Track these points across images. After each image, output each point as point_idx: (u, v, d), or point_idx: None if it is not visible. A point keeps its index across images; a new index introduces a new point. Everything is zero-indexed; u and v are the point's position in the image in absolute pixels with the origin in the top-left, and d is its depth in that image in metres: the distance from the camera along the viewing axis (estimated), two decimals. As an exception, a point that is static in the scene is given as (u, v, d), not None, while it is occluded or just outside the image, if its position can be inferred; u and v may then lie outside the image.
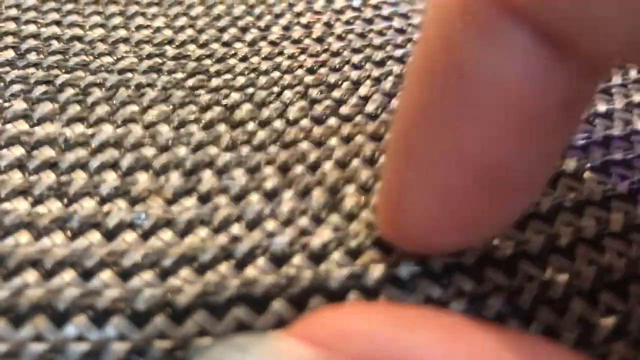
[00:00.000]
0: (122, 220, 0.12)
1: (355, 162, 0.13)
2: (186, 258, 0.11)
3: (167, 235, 0.12)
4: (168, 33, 0.17)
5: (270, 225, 0.12)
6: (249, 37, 0.17)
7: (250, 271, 0.11)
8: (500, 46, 0.08)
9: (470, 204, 0.10)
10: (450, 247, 0.11)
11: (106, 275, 0.11)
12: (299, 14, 0.18)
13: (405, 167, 0.10)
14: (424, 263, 0.11)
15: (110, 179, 0.12)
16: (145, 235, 0.11)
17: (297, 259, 0.11)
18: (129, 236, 0.11)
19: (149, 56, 0.16)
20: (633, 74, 0.16)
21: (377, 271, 0.11)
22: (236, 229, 0.12)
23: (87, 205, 0.12)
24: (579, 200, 0.13)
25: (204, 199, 0.12)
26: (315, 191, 0.13)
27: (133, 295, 0.10)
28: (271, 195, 0.12)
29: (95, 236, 0.11)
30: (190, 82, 0.15)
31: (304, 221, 0.12)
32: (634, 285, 0.11)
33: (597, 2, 0.08)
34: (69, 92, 0.15)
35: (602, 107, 0.15)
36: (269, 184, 0.13)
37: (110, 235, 0.11)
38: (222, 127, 0.14)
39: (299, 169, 0.13)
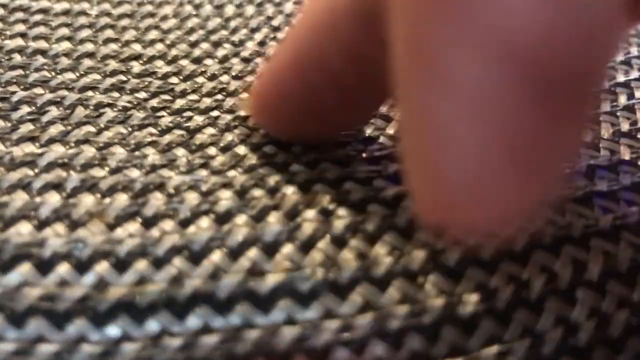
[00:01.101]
0: (57, 251, 0.11)
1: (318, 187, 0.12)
2: (125, 302, 0.10)
3: (103, 267, 0.11)
4: (137, 47, 0.16)
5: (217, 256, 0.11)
6: (221, 53, 0.16)
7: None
8: None
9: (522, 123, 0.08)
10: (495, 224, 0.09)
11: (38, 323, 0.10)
12: (276, 28, 0.18)
13: (430, 91, 0.08)
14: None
15: (53, 200, 0.12)
16: (82, 268, 0.11)
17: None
18: (63, 268, 0.11)
19: (113, 73, 0.15)
20: (622, 99, 0.15)
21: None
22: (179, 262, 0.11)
23: (23, 230, 0.11)
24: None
25: (149, 223, 0.11)
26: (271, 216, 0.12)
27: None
28: (223, 220, 0.12)
29: (26, 269, 0.11)
30: (153, 102, 0.15)
31: (254, 253, 0.11)
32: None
33: None
34: (24, 110, 0.14)
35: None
36: (221, 208, 0.12)
37: (44, 267, 0.11)
38: (180, 151, 0.13)
39: (257, 192, 0.12)
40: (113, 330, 0.10)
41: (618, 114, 0.15)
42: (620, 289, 0.11)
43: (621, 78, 0.16)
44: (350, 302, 0.11)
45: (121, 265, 0.11)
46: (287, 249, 0.11)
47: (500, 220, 0.09)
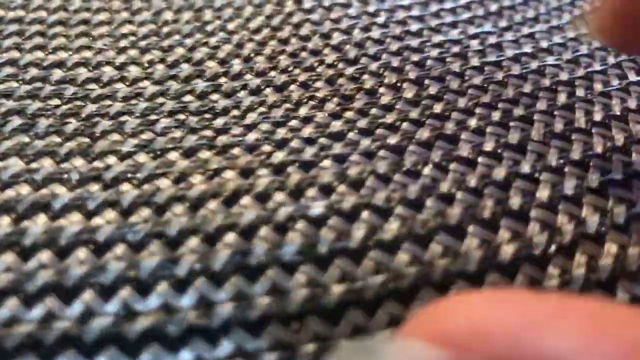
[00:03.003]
0: None
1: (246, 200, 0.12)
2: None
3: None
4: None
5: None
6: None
7: None
8: None
9: None
10: None
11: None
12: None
13: None
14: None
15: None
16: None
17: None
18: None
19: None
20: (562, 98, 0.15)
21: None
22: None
23: None
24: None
25: (62, 252, 0.11)
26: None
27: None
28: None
29: None
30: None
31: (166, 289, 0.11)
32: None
33: None
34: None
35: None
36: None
37: None
38: (79, 161, 0.13)
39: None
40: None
41: (555, 113, 0.15)
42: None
43: (564, 77, 0.16)
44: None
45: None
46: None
47: None
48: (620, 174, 0.13)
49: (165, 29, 0.17)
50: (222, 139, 0.14)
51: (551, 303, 0.08)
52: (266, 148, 0.13)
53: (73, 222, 0.12)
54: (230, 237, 0.12)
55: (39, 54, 0.16)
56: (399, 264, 0.11)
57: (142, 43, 0.17)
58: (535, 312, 0.08)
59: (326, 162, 0.13)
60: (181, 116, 0.14)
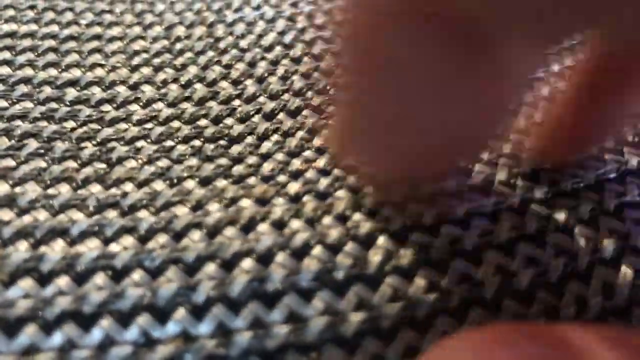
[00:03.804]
0: None
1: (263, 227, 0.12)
2: None
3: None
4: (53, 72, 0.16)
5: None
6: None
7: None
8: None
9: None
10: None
11: None
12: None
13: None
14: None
15: None
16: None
17: None
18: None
19: (46, 101, 0.15)
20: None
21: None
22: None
23: None
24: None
25: (81, 278, 0.11)
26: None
27: None
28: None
29: None
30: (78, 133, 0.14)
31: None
32: None
33: None
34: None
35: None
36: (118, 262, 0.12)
37: None
38: (96, 188, 0.13)
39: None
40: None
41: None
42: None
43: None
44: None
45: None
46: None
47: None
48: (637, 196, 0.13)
49: (178, 46, 0.17)
50: (239, 169, 0.14)
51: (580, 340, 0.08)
52: (282, 178, 0.14)
53: (91, 249, 0.12)
54: (247, 263, 0.12)
55: (53, 71, 0.16)
56: (416, 290, 0.11)
57: (156, 61, 0.17)
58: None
59: (340, 193, 0.13)
60: (197, 142, 0.14)
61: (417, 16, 0.09)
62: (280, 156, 0.14)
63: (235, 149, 0.14)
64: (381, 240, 0.12)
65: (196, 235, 0.12)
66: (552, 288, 0.12)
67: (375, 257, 0.12)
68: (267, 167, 0.14)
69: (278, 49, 0.17)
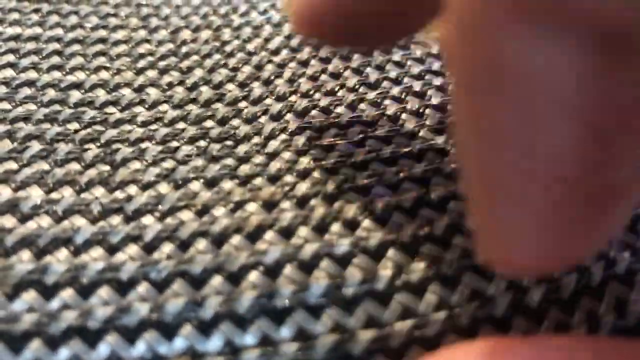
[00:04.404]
0: None
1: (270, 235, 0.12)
2: None
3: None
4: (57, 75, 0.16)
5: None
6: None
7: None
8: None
9: (561, 220, 0.08)
10: (547, 269, 0.10)
11: None
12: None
13: (486, 198, 0.09)
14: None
15: None
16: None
17: None
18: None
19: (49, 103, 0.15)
20: None
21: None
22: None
23: None
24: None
25: (86, 291, 0.11)
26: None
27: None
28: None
29: None
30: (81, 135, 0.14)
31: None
32: None
33: None
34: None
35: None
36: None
37: None
38: (99, 191, 0.13)
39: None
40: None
41: None
42: None
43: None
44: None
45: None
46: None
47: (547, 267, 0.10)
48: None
49: (184, 49, 0.17)
50: (245, 169, 0.14)
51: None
52: (289, 179, 0.13)
53: (95, 259, 0.12)
54: (254, 276, 0.11)
55: (57, 74, 0.16)
56: (427, 307, 0.11)
57: (161, 64, 0.17)
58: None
59: (349, 195, 0.13)
60: (202, 143, 0.14)
61: (561, 16, 0.07)
62: (287, 155, 0.14)
63: (242, 149, 0.14)
64: (391, 252, 0.12)
65: (202, 244, 0.12)
66: (563, 304, 0.11)
67: (385, 271, 0.12)
68: (274, 166, 0.14)
69: (285, 52, 0.17)
